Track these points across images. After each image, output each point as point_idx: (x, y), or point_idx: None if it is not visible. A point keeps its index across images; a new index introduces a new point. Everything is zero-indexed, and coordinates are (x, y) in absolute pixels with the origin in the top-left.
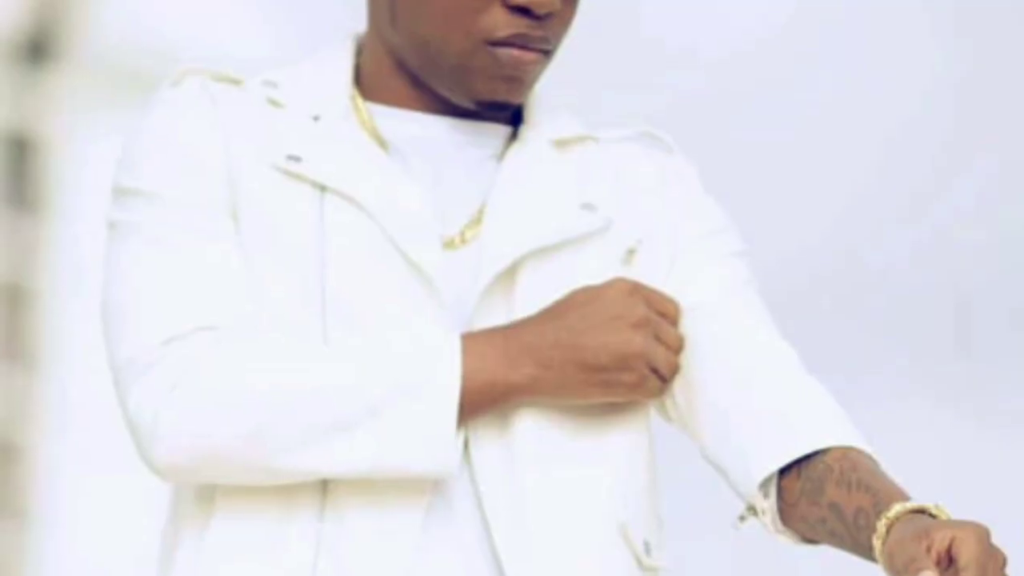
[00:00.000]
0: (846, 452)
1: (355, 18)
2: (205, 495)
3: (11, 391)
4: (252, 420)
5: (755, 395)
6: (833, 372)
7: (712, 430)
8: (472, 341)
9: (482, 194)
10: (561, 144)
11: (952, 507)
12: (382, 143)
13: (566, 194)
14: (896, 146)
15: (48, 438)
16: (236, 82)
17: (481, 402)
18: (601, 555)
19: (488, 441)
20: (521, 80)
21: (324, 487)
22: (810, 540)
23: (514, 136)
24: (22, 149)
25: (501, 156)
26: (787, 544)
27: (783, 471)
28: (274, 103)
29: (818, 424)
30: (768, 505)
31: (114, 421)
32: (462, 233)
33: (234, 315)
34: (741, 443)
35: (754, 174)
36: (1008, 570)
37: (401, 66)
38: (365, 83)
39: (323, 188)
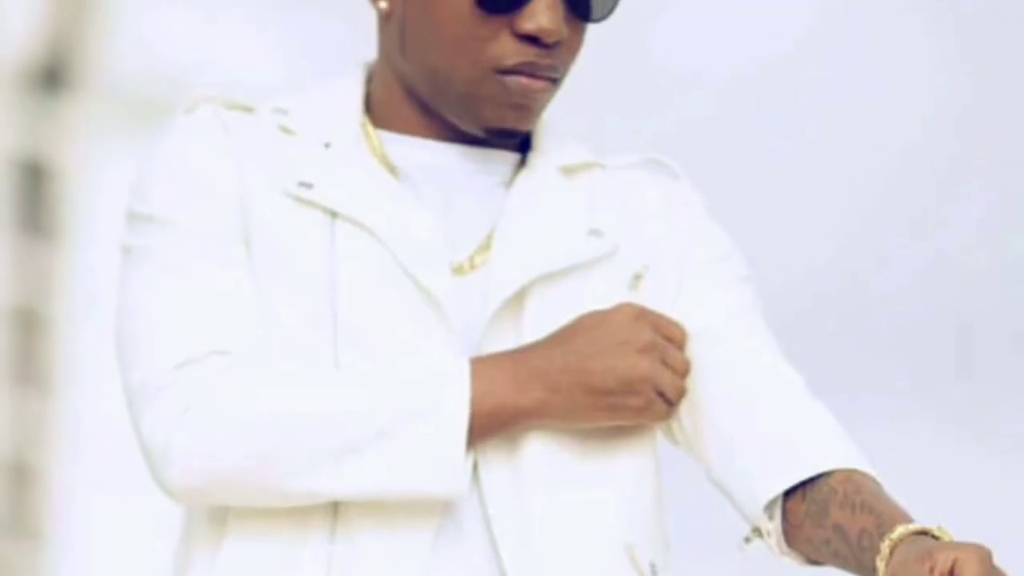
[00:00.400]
0: (850, 474)
1: (365, 45)
2: (217, 517)
3: (26, 414)
4: (263, 443)
5: (760, 418)
6: (836, 393)
7: (717, 453)
8: (481, 365)
9: (491, 220)
10: (569, 171)
11: (954, 528)
12: (392, 170)
13: (574, 220)
14: (898, 171)
15: (62, 461)
16: (248, 109)
17: (490, 425)
18: None
19: (497, 464)
20: (529, 108)
21: (335, 509)
22: (815, 562)
23: (522, 163)
24: (37, 176)
25: (510, 183)
26: (792, 566)
27: (788, 493)
28: (285, 130)
29: (822, 447)
30: (773, 527)
31: (127, 444)
32: (471, 259)
33: (246, 340)
34: (746, 466)
35: (759, 199)
36: None
37: (411, 94)
38: (375, 110)
39: (334, 214)
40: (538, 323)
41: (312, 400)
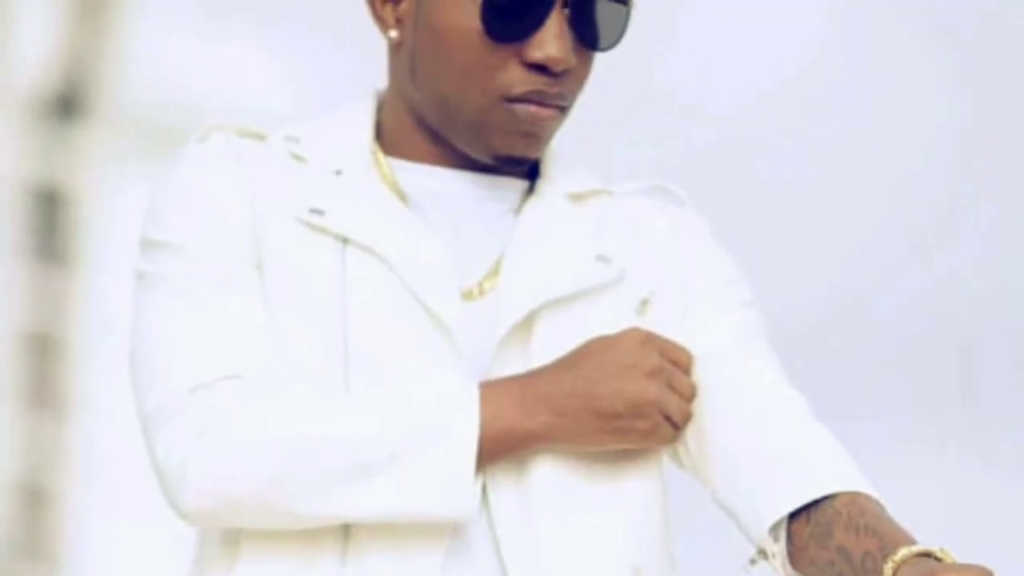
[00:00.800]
0: (854, 497)
1: (376, 74)
2: (230, 539)
3: (41, 438)
4: (275, 466)
5: (765, 441)
6: (840, 417)
7: (723, 475)
8: (490, 390)
9: (500, 247)
10: (577, 198)
11: (957, 550)
12: (403, 197)
13: (581, 246)
14: (901, 198)
15: (76, 484)
16: (260, 137)
17: (498, 449)
18: None
19: (506, 486)
20: (538, 136)
21: (346, 531)
22: None
23: (531, 190)
24: (52, 203)
25: (518, 210)
26: None
27: (792, 515)
28: (297, 158)
29: (826, 470)
30: (778, 549)
31: (141, 467)
32: (480, 285)
33: (258, 365)
34: (751, 488)
35: (764, 224)
36: None
37: (421, 122)
38: (386, 138)
39: (345, 241)
40: (546, 348)
41: (323, 424)
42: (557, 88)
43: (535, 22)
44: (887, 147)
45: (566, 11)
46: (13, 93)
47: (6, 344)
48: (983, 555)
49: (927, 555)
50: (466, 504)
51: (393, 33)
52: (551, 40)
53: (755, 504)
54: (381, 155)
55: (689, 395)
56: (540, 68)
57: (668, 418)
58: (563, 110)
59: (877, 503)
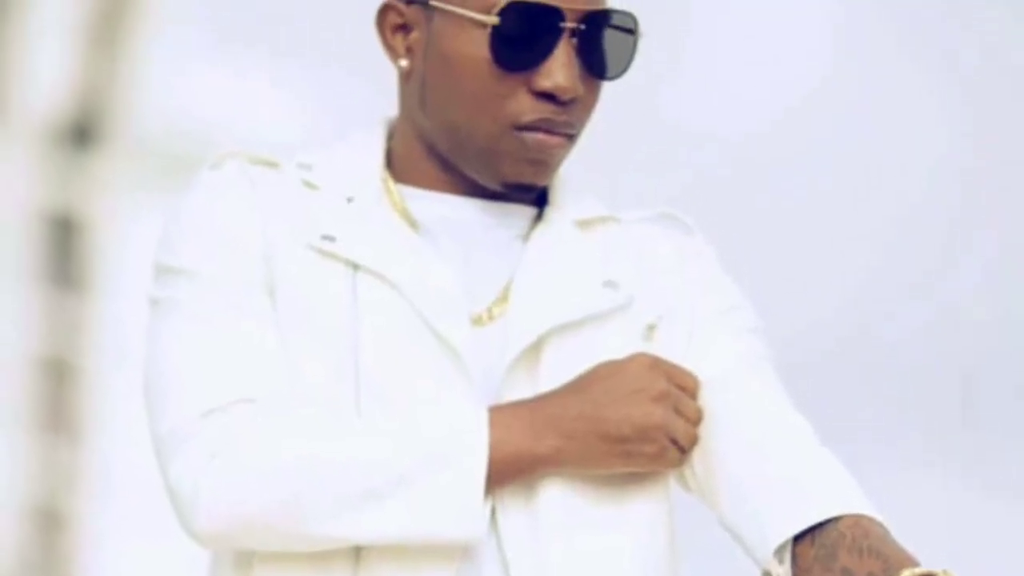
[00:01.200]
0: (858, 520)
1: (387, 103)
2: (243, 561)
3: (56, 462)
4: (287, 489)
5: (770, 465)
6: (844, 441)
7: (729, 498)
8: (499, 414)
9: (509, 273)
10: (584, 225)
11: (959, 572)
12: (413, 224)
13: (589, 272)
14: (904, 225)
15: (91, 507)
16: (273, 165)
17: (507, 472)
18: None
19: (515, 509)
20: (546, 163)
21: (357, 553)
22: None
23: (539, 217)
24: (67, 229)
25: (527, 236)
26: None
27: (797, 538)
28: (309, 185)
29: (831, 493)
30: (783, 571)
31: (155, 490)
32: (489, 310)
33: (271, 389)
34: (757, 511)
35: (769, 252)
36: None
37: (431, 150)
38: (396, 166)
39: (356, 267)
40: (555, 372)
41: (335, 448)
42: (565, 116)
43: (543, 51)
44: (890, 176)
45: (574, 41)
46: (28, 121)
47: (21, 369)
48: None
49: None
50: (475, 527)
51: (403, 62)
52: (559, 69)
53: (760, 526)
54: (392, 182)
55: (695, 419)
56: (548, 97)
57: (675, 442)
58: (571, 138)
59: (881, 526)
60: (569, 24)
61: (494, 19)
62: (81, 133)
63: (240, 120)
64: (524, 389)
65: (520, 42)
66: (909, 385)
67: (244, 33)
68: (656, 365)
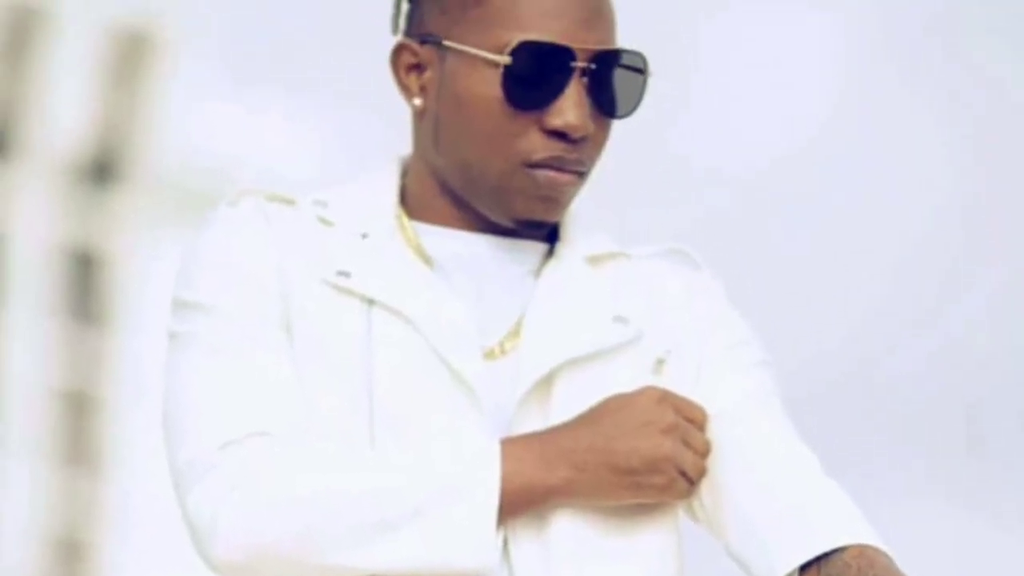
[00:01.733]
0: (863, 550)
1: (400, 141)
2: None
3: (77, 493)
4: (303, 520)
5: (777, 496)
6: (850, 472)
7: (736, 529)
8: (511, 446)
9: (521, 308)
10: (595, 261)
11: None
12: (427, 260)
13: (599, 307)
14: (909, 261)
15: (111, 537)
16: (289, 202)
17: (519, 503)
18: None
19: (526, 539)
20: (557, 200)
21: None
22: None
23: (550, 253)
24: (87, 265)
25: (538, 272)
26: None
27: (804, 567)
28: (324, 221)
29: (836, 523)
30: None
31: (173, 521)
32: (502, 344)
33: (287, 421)
34: (764, 541)
35: (776, 287)
36: None
37: (444, 187)
38: (410, 203)
39: (371, 302)
40: (566, 405)
41: (350, 480)
42: (576, 154)
43: (555, 91)
44: (896, 213)
45: (584, 80)
46: (49, 158)
47: (42, 401)
48: None
49: None
50: (488, 557)
51: (417, 101)
52: (570, 108)
53: (767, 556)
54: (406, 219)
55: (704, 451)
56: (559, 135)
57: (683, 473)
58: (582, 175)
59: (886, 555)
60: (580, 63)
61: (506, 59)
62: (101, 170)
63: (256, 157)
64: (535, 422)
65: (532, 81)
66: (913, 416)
67: (260, 72)
68: (665, 398)
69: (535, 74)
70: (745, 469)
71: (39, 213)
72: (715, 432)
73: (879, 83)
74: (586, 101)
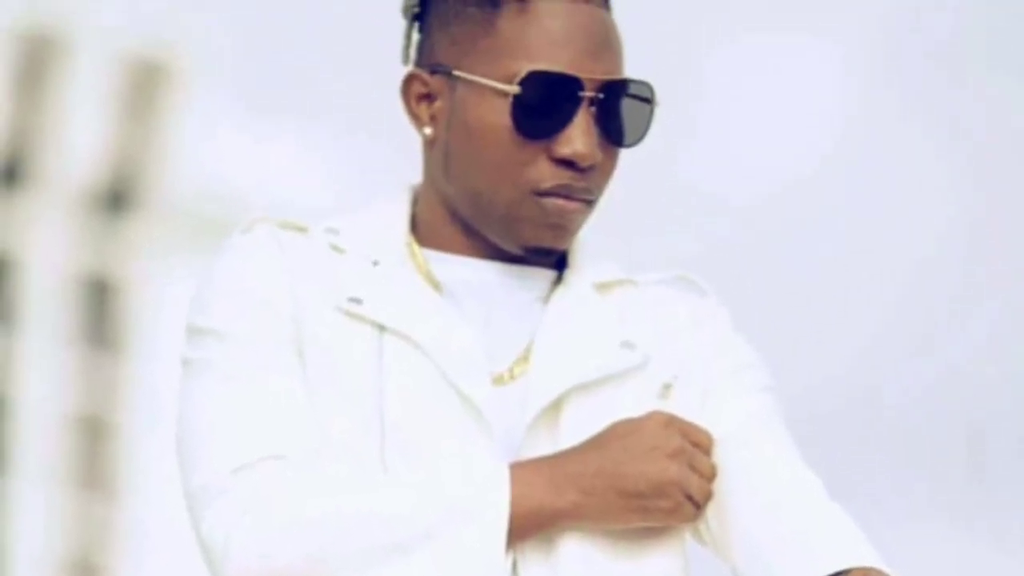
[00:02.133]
0: (867, 572)
1: (411, 169)
2: None
3: (91, 517)
4: (315, 543)
5: (782, 519)
6: (854, 496)
7: (742, 551)
8: (520, 470)
9: (529, 334)
10: (602, 287)
11: None
12: (437, 286)
13: (607, 334)
14: (912, 288)
15: (126, 561)
16: (301, 229)
17: (528, 526)
18: None
19: (535, 562)
20: (566, 228)
21: None
22: None
23: (559, 280)
24: (102, 292)
25: (547, 298)
26: None
27: None
28: (336, 249)
29: (841, 546)
30: None
31: (188, 545)
32: (511, 370)
33: (299, 445)
34: (769, 564)
35: (781, 312)
36: None
37: (454, 214)
38: (421, 230)
39: (382, 328)
40: (574, 430)
41: (361, 503)
42: (584, 182)
43: (563, 120)
44: (899, 239)
45: (592, 109)
46: (65, 187)
47: (58, 427)
48: None
49: None
50: None
51: (428, 130)
52: (578, 137)
53: None
54: (416, 246)
55: (710, 475)
56: (568, 163)
57: (690, 497)
58: (590, 203)
59: None
60: (588, 93)
61: (515, 88)
62: (115, 199)
63: (269, 185)
64: (544, 446)
65: (540, 110)
66: (916, 441)
67: (272, 102)
68: (671, 423)
69: (544, 103)
70: (750, 492)
71: (55, 241)
72: (721, 456)
73: (882, 112)
74: (594, 130)
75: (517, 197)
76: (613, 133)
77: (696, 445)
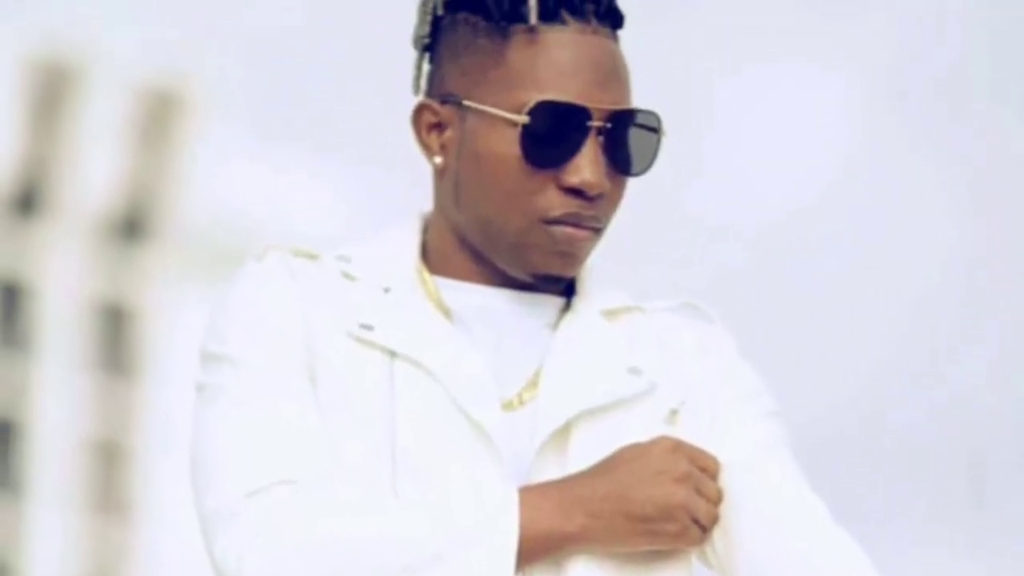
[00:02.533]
0: None
1: (422, 198)
2: None
3: (107, 540)
4: (326, 565)
5: (787, 543)
6: (858, 520)
7: (748, 574)
8: (529, 494)
9: (538, 360)
10: (610, 314)
11: None
12: (447, 313)
13: (615, 360)
14: (915, 316)
15: None
16: (313, 257)
17: (537, 549)
18: None
19: None
20: (574, 256)
21: None
22: None
23: (567, 307)
24: (117, 318)
25: (555, 325)
26: None
27: None
28: (348, 276)
29: (845, 569)
30: None
31: (202, 567)
32: (520, 395)
33: (311, 470)
34: None
35: (786, 340)
36: None
37: (464, 242)
38: (431, 258)
39: (393, 354)
40: (582, 455)
41: (372, 526)
42: (592, 211)
43: (571, 149)
44: (901, 269)
45: (600, 139)
46: (81, 216)
47: (74, 450)
48: None
49: None
50: None
51: (438, 160)
52: (586, 166)
53: None
54: (427, 273)
55: (716, 499)
56: (576, 192)
57: (696, 521)
58: (598, 231)
59: None
60: (596, 123)
61: (524, 118)
62: (130, 227)
63: (281, 213)
64: (553, 471)
65: (549, 140)
66: (919, 467)
67: (285, 131)
68: (678, 448)
69: (552, 133)
70: (756, 516)
71: (70, 268)
72: (727, 481)
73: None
74: (602, 159)
75: (526, 225)
76: (621, 162)
77: (703, 470)
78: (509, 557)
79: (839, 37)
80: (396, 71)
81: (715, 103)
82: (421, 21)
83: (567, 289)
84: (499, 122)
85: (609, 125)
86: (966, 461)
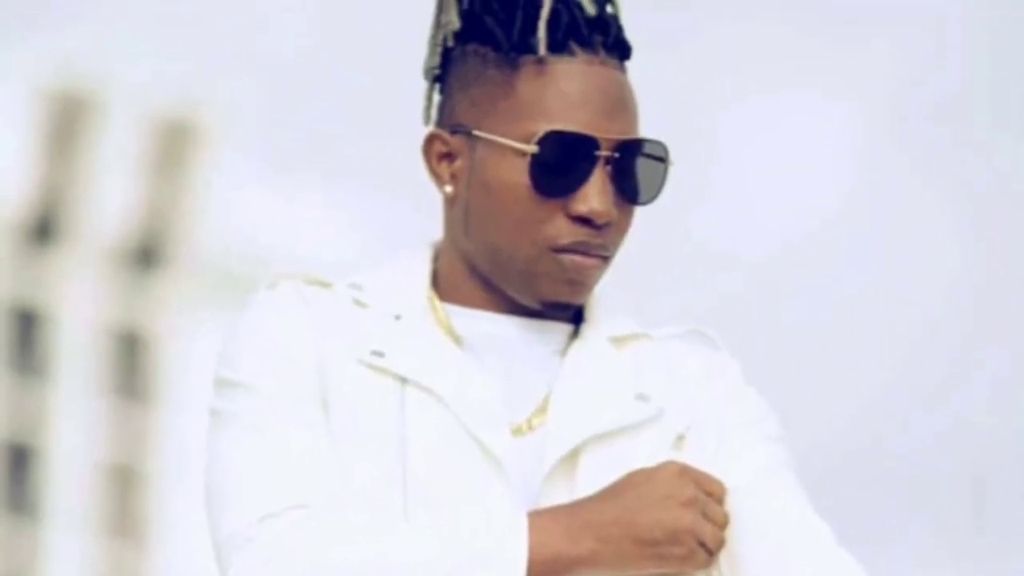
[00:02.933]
0: None
1: (432, 226)
2: None
3: (122, 565)
4: None
5: (792, 566)
6: (862, 543)
7: None
8: (537, 518)
9: (547, 386)
10: (618, 341)
11: None
12: (457, 340)
13: (622, 386)
14: (918, 342)
15: None
16: (325, 285)
17: (545, 573)
18: None
19: None
20: (582, 283)
21: None
22: None
23: (576, 333)
24: (132, 345)
25: (564, 352)
26: None
27: None
28: (359, 304)
29: None
30: None
31: None
32: (529, 421)
33: (323, 494)
34: None
35: (791, 366)
36: None
37: (474, 270)
38: (441, 285)
39: (404, 380)
40: (590, 479)
41: (383, 550)
42: (600, 239)
43: (580, 178)
44: (906, 295)
45: (608, 168)
46: (96, 244)
47: (89, 476)
48: None
49: None
50: None
51: (448, 188)
52: (594, 195)
53: None
54: (437, 301)
55: (722, 523)
56: (584, 221)
57: (703, 545)
58: (606, 259)
59: None
60: (604, 152)
61: (533, 148)
62: (145, 255)
63: (294, 242)
64: (561, 495)
65: (558, 169)
66: (922, 491)
67: (297, 160)
68: (685, 472)
69: (561, 162)
70: (762, 540)
71: (86, 295)
72: (733, 505)
73: (890, 171)
74: (610, 188)
75: (535, 253)
76: (628, 191)
77: (709, 494)
78: None
79: (841, 66)
80: (407, 100)
81: (720, 133)
82: (431, 52)
83: (575, 316)
84: (508, 152)
85: (617, 155)
86: (968, 485)
